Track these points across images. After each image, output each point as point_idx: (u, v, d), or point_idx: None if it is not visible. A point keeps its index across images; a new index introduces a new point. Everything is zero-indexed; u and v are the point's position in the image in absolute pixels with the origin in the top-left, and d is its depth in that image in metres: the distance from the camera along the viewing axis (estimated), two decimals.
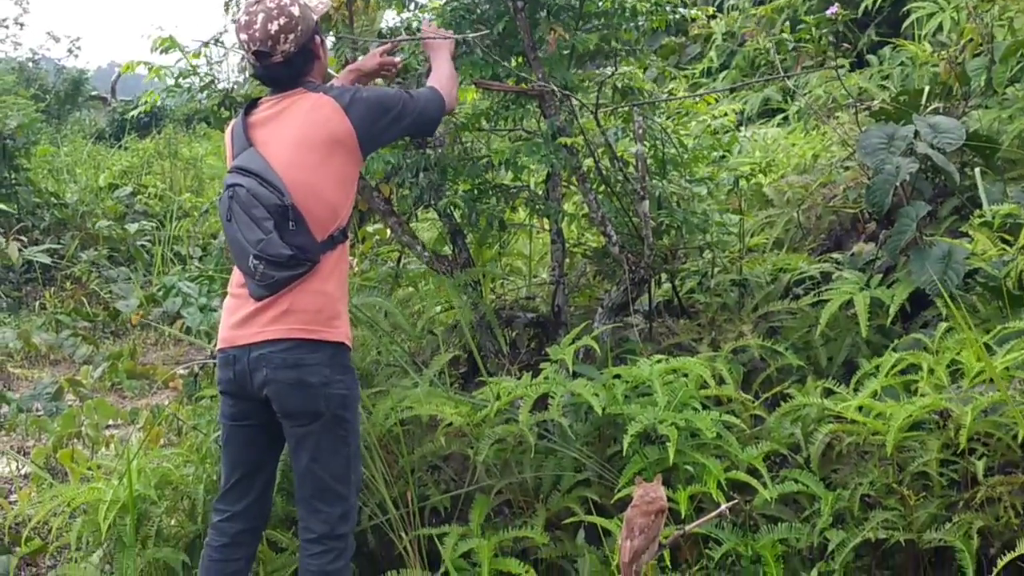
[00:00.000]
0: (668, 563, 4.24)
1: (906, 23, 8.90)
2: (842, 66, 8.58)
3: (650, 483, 3.47)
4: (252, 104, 4.30)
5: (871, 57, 9.36)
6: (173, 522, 5.04)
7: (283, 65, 4.15)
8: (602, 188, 5.55)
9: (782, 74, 7.28)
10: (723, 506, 3.64)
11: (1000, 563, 3.74)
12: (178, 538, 4.90)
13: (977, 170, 5.44)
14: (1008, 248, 4.96)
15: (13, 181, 13.41)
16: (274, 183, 4.01)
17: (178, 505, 4.98)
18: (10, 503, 5.70)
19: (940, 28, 8.35)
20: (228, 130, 4.33)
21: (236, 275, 4.21)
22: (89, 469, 5.36)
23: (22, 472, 6.91)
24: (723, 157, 6.57)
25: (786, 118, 9.36)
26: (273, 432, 4.20)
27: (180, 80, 5.69)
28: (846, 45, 8.96)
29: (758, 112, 9.94)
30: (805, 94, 8.56)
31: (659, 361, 4.71)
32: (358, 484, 4.21)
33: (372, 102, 4.19)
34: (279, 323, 4.05)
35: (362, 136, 4.15)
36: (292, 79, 4.19)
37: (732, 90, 10.14)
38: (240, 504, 4.27)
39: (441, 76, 4.51)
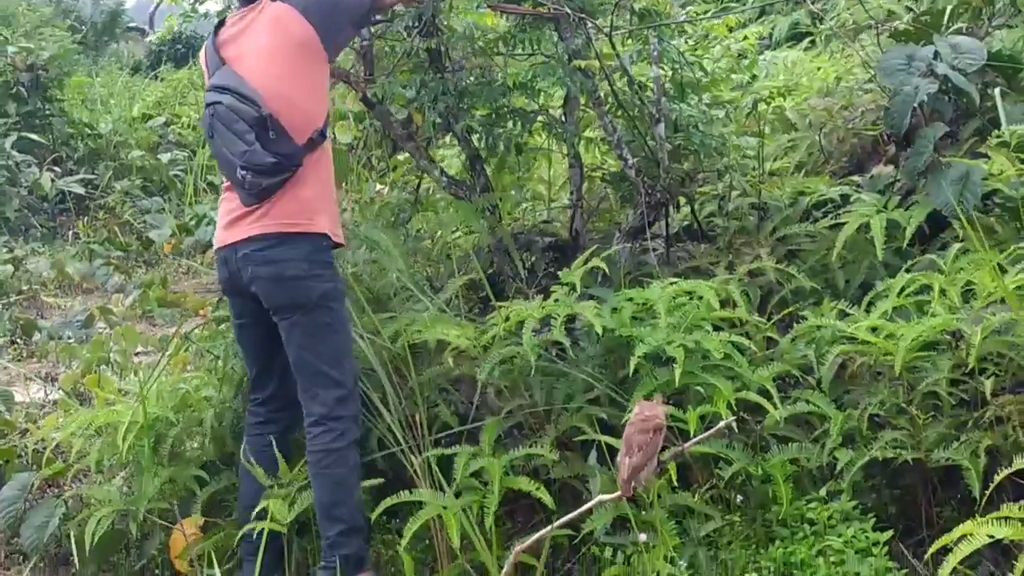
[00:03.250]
0: (676, 482, 4.26)
1: None
2: None
3: (648, 401, 3.49)
4: (220, 23, 4.55)
5: None
6: (195, 444, 5.13)
7: None
8: (618, 111, 5.53)
9: None
10: (722, 422, 3.67)
11: (997, 478, 3.75)
12: (195, 459, 4.99)
13: (998, 90, 5.37)
14: None
15: (47, 112, 13.46)
16: (250, 96, 4.24)
17: (195, 428, 5.05)
18: (37, 427, 5.79)
19: None
20: (202, 52, 4.58)
21: (226, 183, 4.48)
22: (113, 394, 5.44)
23: (50, 398, 7.01)
24: (750, 81, 6.53)
25: (813, 42, 9.26)
26: (270, 327, 4.46)
27: (196, 5, 5.72)
28: None
29: (786, 36, 9.85)
30: (833, 17, 8.47)
31: (671, 284, 4.72)
32: (354, 373, 4.44)
33: (325, 3, 4.39)
34: (260, 222, 4.32)
35: (323, 36, 4.37)
36: None
37: (761, 13, 10.06)
38: (266, 390, 4.65)
39: None
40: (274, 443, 4.55)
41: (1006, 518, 3.44)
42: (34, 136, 12.84)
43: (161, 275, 10.16)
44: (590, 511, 4.03)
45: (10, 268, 9.91)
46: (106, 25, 25.62)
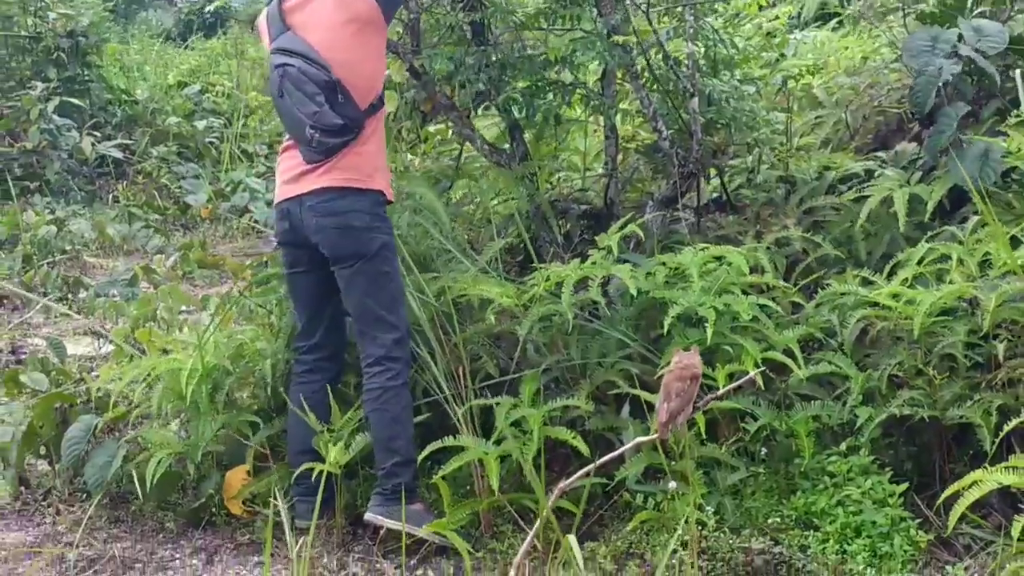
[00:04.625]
0: (705, 436, 4.53)
1: None
2: None
3: (686, 352, 3.76)
4: None
5: None
6: (245, 395, 5.41)
7: None
8: (654, 86, 5.77)
9: None
10: (750, 374, 3.94)
11: (1005, 429, 4.02)
12: (248, 407, 5.28)
13: (1019, 72, 5.59)
14: None
15: (86, 77, 13.68)
16: (319, 61, 4.57)
17: (249, 378, 5.34)
18: (93, 378, 6.06)
19: None
20: (262, 17, 4.88)
21: (287, 141, 4.81)
22: (168, 345, 5.72)
23: (101, 351, 7.30)
24: (778, 60, 6.74)
25: (841, 22, 9.45)
26: (323, 276, 4.81)
27: None
28: None
29: (815, 15, 10.04)
30: None
31: (702, 249, 4.97)
32: (406, 319, 4.77)
33: None
34: (325, 176, 4.65)
35: (384, 9, 4.72)
36: None
37: None
38: (313, 338, 4.95)
39: None
40: (326, 389, 4.85)
41: (1014, 467, 3.72)
42: (74, 101, 13.08)
43: (200, 238, 10.44)
44: (624, 457, 4.31)
45: (53, 229, 10.17)
46: None
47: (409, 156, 7.06)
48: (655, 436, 3.92)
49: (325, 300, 4.91)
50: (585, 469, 3.96)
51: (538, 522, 3.98)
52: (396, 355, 4.70)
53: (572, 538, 3.70)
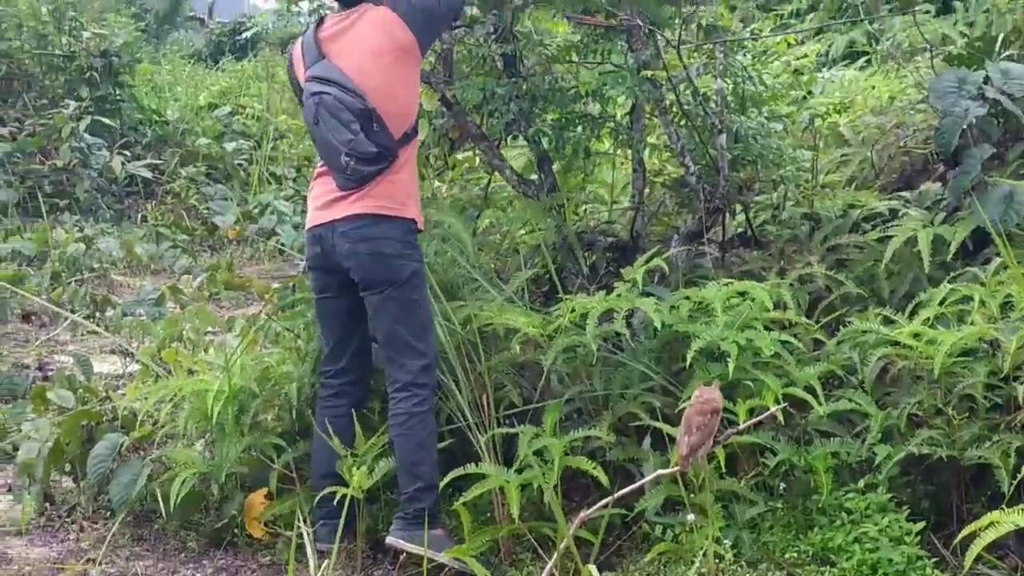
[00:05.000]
0: (724, 469, 4.57)
1: None
2: (927, 11, 8.76)
3: (707, 387, 3.81)
4: (320, 21, 4.94)
5: (957, 3, 9.45)
6: (270, 417, 5.47)
7: None
8: (682, 121, 5.83)
9: (862, 16, 7.45)
10: (770, 410, 3.99)
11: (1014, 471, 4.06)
12: (273, 429, 5.35)
13: None
14: None
15: (118, 97, 13.87)
16: (355, 90, 4.65)
17: (275, 400, 5.40)
18: (119, 396, 6.13)
19: None
20: (297, 45, 4.98)
21: (320, 167, 4.90)
22: (194, 366, 5.80)
23: (128, 370, 7.38)
24: (806, 97, 6.79)
25: (869, 61, 9.50)
26: (352, 302, 4.89)
27: (289, 5, 6.07)
28: None
29: (842, 54, 10.08)
30: (889, 38, 8.74)
31: (726, 284, 5.02)
32: (434, 347, 4.83)
33: (421, 8, 4.79)
34: (358, 203, 4.72)
35: (421, 40, 4.81)
36: None
37: (819, 31, 10.30)
38: (340, 363, 5.01)
39: None
40: (351, 414, 4.91)
41: None
42: (105, 120, 13.22)
43: (227, 259, 10.54)
44: (643, 489, 4.36)
45: (82, 247, 10.29)
46: (167, 13, 26.05)
47: (436, 183, 7.14)
48: (675, 469, 3.98)
49: (353, 325, 4.99)
50: (605, 500, 4.01)
51: (556, 551, 4.03)
52: (423, 382, 4.76)
53: (592, 568, 3.74)
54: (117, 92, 13.88)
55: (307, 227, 4.95)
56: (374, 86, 4.69)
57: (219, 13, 28.29)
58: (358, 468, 4.70)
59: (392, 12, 4.75)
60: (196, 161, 13.38)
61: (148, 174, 12.85)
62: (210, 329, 7.64)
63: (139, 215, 12.31)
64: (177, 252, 10.89)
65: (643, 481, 4.13)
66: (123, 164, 12.53)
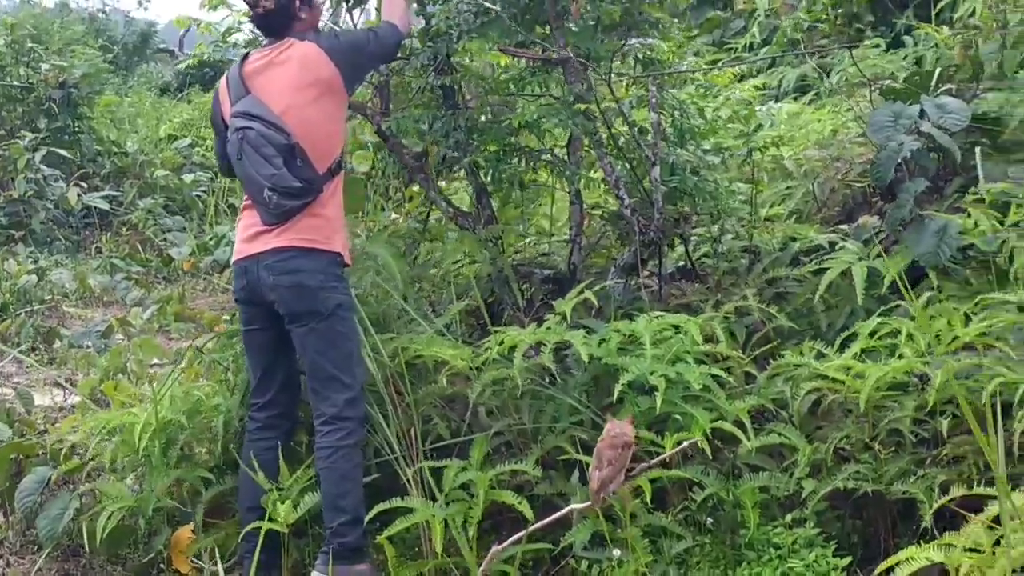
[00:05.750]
0: (652, 504, 4.53)
1: (940, 4, 9.01)
2: (875, 44, 8.80)
3: (618, 420, 3.78)
4: (245, 57, 4.95)
5: (907, 38, 9.50)
6: (204, 451, 5.42)
7: (265, 16, 4.85)
8: (617, 153, 5.83)
9: (803, 51, 7.50)
10: (691, 440, 3.97)
11: (935, 506, 4.05)
12: (203, 462, 5.29)
13: (978, 149, 5.62)
14: (1000, 225, 5.17)
15: (76, 129, 13.82)
16: (279, 125, 4.64)
17: (205, 433, 5.35)
18: (56, 428, 6.07)
19: (973, 12, 8.46)
20: (223, 80, 4.95)
21: (246, 201, 4.90)
22: (130, 399, 5.75)
23: (68, 402, 7.31)
24: (750, 131, 6.80)
25: (818, 95, 9.54)
26: (277, 335, 4.87)
27: (226, 36, 6.06)
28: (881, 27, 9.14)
29: (793, 87, 10.11)
30: (839, 72, 8.77)
31: (656, 317, 5.00)
32: (362, 379, 4.82)
33: (348, 45, 4.89)
34: (282, 236, 4.71)
35: (345, 76, 4.82)
36: (279, 29, 4.88)
37: (771, 64, 10.35)
38: (267, 396, 4.98)
39: (394, 9, 5.13)
40: (278, 447, 4.87)
41: (948, 545, 3.73)
42: (63, 152, 13.17)
43: (179, 291, 10.46)
44: (566, 521, 4.33)
45: (34, 278, 10.21)
46: (137, 46, 26.10)
47: (393, 215, 7.12)
48: (588, 504, 3.94)
49: (280, 358, 4.96)
50: (519, 535, 3.99)
51: None
52: (348, 415, 4.73)
53: None
54: (75, 124, 13.83)
55: (233, 260, 4.94)
56: (297, 121, 4.70)
57: (189, 46, 28.25)
58: (283, 502, 4.65)
59: (317, 48, 4.78)
60: (154, 193, 13.32)
61: (105, 205, 12.79)
62: (156, 361, 7.58)
63: (95, 246, 12.24)
64: (130, 284, 10.80)
65: (555, 516, 4.09)
66: (79, 195, 12.45)
